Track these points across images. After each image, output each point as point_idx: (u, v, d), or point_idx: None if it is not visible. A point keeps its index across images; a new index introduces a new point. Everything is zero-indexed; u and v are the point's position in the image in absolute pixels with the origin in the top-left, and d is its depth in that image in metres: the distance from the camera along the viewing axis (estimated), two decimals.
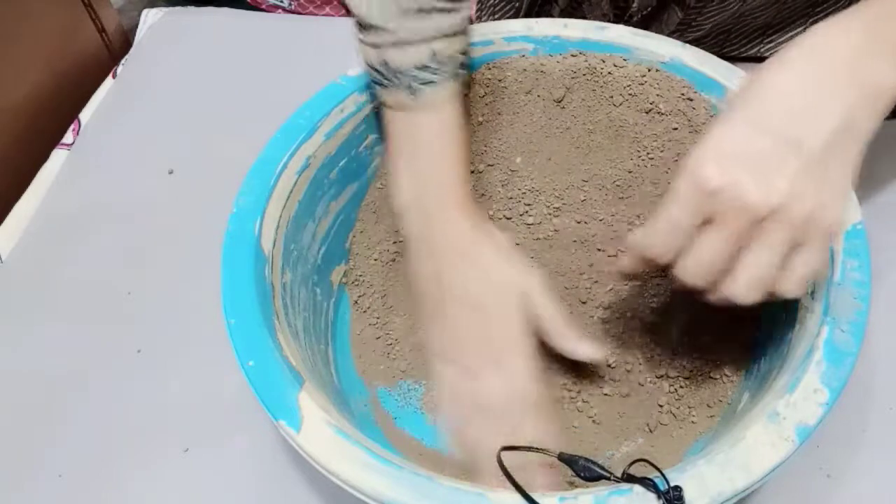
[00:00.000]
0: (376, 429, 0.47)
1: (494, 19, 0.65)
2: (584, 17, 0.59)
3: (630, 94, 0.51)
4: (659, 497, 0.31)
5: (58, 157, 0.67)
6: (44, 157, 0.67)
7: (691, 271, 0.36)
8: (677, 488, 0.31)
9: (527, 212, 0.55)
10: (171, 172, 0.63)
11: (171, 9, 0.78)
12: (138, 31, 0.78)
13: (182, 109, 0.69)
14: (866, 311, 0.37)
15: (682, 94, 0.49)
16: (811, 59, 0.35)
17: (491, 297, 0.43)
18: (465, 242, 0.43)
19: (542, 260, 0.53)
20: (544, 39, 0.51)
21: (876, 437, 0.45)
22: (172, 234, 0.59)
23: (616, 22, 0.61)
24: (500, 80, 0.52)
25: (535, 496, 0.31)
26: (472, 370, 0.42)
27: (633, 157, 0.53)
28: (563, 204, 0.55)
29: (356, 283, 0.53)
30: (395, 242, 0.54)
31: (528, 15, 0.64)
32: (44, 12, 0.73)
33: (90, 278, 0.57)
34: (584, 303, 0.51)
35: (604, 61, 0.50)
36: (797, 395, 0.34)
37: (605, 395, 0.47)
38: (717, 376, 0.46)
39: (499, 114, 0.53)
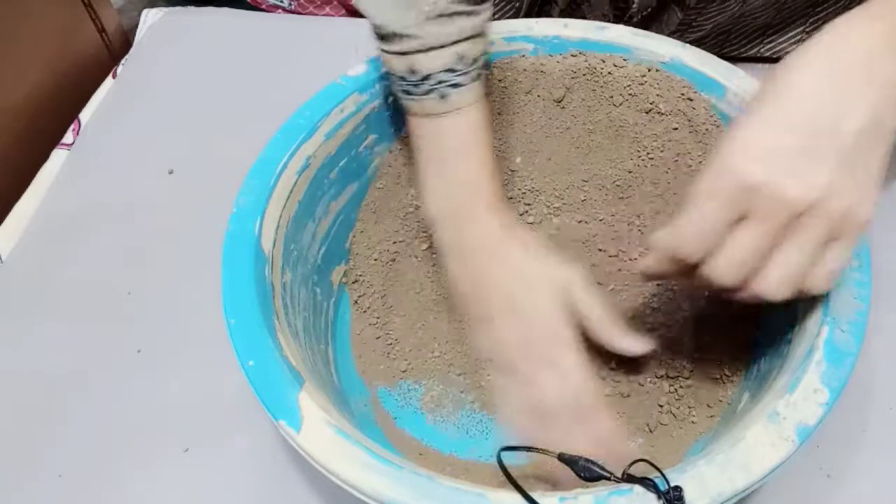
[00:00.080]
0: (376, 429, 0.47)
1: (494, 19, 0.65)
2: (583, 18, 0.59)
3: (630, 94, 0.51)
4: (659, 497, 0.31)
5: (58, 157, 0.67)
6: (44, 157, 0.67)
7: (724, 270, 0.35)
8: (677, 488, 0.31)
9: (527, 212, 0.55)
10: (171, 172, 0.63)
11: (171, 9, 0.78)
12: (138, 31, 0.77)
13: (182, 109, 0.69)
14: (866, 311, 0.37)
15: (682, 94, 0.49)
16: (832, 57, 0.34)
17: (526, 297, 0.42)
18: (493, 242, 0.43)
19: None
20: (544, 39, 0.51)
21: (876, 437, 0.45)
22: (172, 234, 0.59)
23: (616, 22, 0.61)
24: (500, 80, 0.52)
25: (535, 496, 0.31)
26: (526, 376, 0.41)
27: (633, 157, 0.53)
28: (563, 204, 0.55)
29: (356, 283, 0.53)
30: (394, 242, 0.54)
31: (528, 15, 0.64)
32: (44, 12, 0.73)
33: (90, 278, 0.57)
34: None
35: (604, 61, 0.50)
36: (797, 395, 0.34)
37: (606, 395, 0.47)
38: (717, 376, 0.46)
39: (499, 114, 0.53)
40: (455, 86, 0.42)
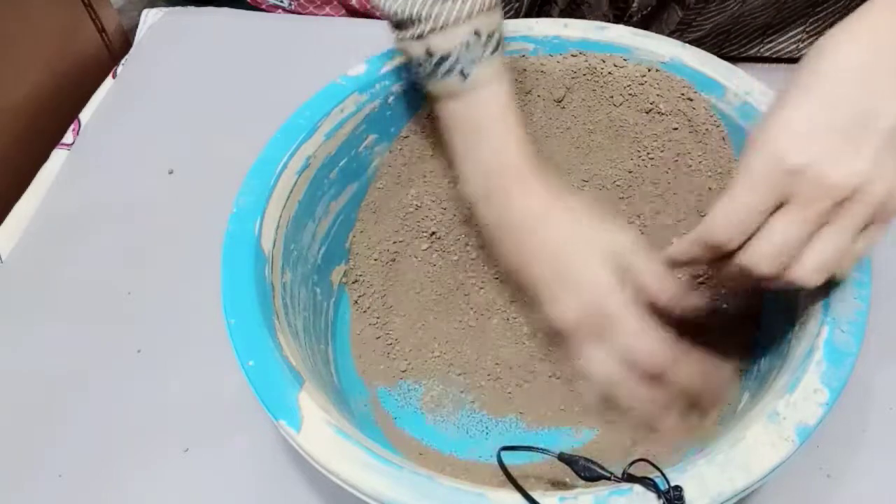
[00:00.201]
0: (376, 429, 0.47)
1: None
2: (583, 18, 0.59)
3: (630, 94, 0.51)
4: (659, 497, 0.31)
5: (58, 157, 0.67)
6: (44, 157, 0.67)
7: (763, 259, 0.34)
8: (677, 488, 0.31)
9: None
10: (171, 172, 0.63)
11: (171, 9, 0.78)
12: (138, 31, 0.78)
13: (182, 109, 0.69)
14: (866, 311, 0.37)
15: (682, 94, 0.49)
16: (874, 37, 0.33)
17: (575, 266, 0.42)
18: (536, 215, 0.43)
19: None
20: (544, 39, 0.51)
21: (876, 437, 0.45)
22: (172, 234, 0.59)
23: (616, 22, 0.61)
24: None
25: (535, 496, 0.31)
26: (599, 336, 0.41)
27: (633, 157, 0.53)
28: None
29: (356, 283, 0.53)
30: (394, 242, 0.54)
31: (528, 15, 0.64)
32: (44, 12, 0.73)
33: (90, 278, 0.57)
34: None
35: (604, 61, 0.50)
36: (797, 395, 0.34)
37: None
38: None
39: None
40: (474, 62, 0.42)
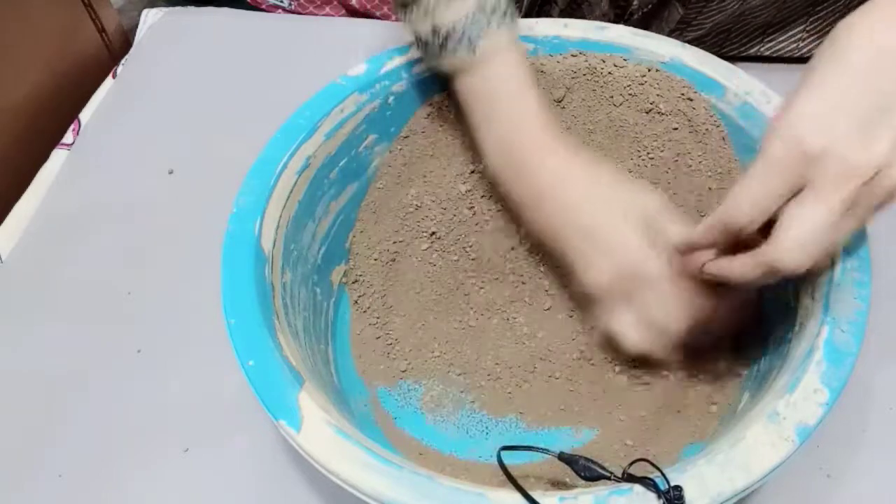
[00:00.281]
0: (376, 429, 0.47)
1: None
2: (583, 17, 0.59)
3: (630, 94, 0.51)
4: (659, 497, 0.31)
5: (58, 157, 0.67)
6: (44, 157, 0.67)
7: (793, 254, 0.33)
8: (677, 488, 0.31)
9: None
10: (171, 172, 0.63)
11: (171, 9, 0.78)
12: (138, 31, 0.77)
13: (182, 109, 0.69)
14: (866, 311, 0.37)
15: (682, 94, 0.49)
16: (888, 26, 0.33)
17: (604, 230, 0.42)
18: (560, 184, 0.43)
19: (544, 259, 0.53)
20: (544, 39, 0.51)
21: (876, 437, 0.45)
22: (172, 234, 0.59)
23: (617, 20, 0.61)
24: None
25: (535, 496, 0.31)
26: (629, 298, 0.42)
27: (633, 157, 0.53)
28: None
29: (356, 283, 0.53)
30: (394, 242, 0.54)
31: (528, 15, 0.64)
32: (44, 12, 0.73)
33: (90, 278, 0.57)
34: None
35: (604, 61, 0.50)
36: (797, 395, 0.34)
37: (603, 392, 0.47)
38: (717, 376, 0.46)
39: None
40: (481, 35, 0.43)
